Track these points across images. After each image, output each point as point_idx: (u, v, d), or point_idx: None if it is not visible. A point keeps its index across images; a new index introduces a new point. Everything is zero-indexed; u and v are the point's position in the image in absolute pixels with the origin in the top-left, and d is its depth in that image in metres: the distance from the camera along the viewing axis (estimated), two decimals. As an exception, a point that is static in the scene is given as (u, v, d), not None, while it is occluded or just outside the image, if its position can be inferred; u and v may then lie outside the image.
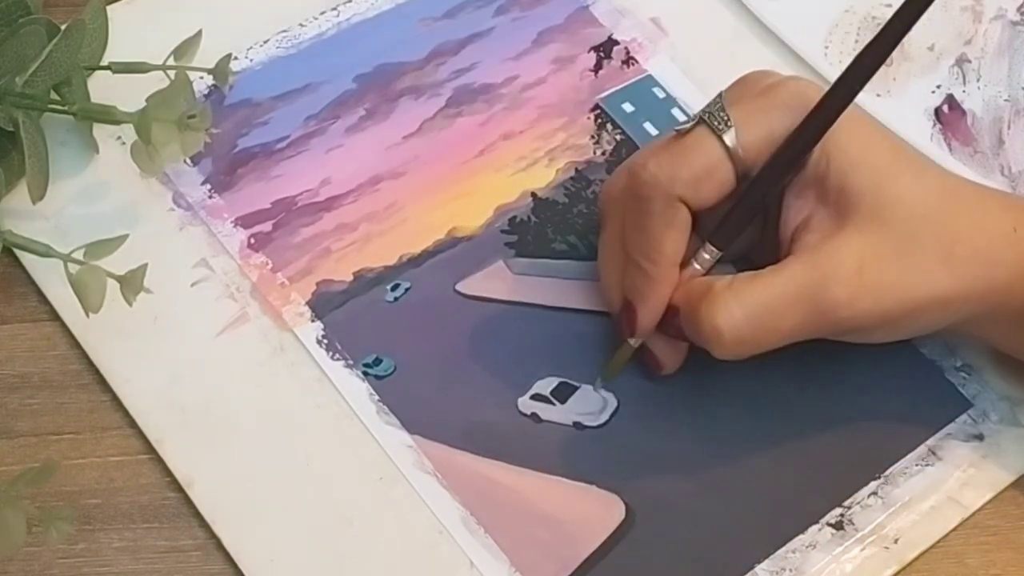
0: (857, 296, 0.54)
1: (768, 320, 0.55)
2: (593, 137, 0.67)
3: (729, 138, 0.55)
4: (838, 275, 0.54)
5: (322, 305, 0.61)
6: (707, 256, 0.57)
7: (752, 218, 0.57)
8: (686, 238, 0.56)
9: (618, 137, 0.67)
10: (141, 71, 0.63)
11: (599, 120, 0.67)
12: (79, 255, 0.56)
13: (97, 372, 0.59)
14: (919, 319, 0.56)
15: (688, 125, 0.56)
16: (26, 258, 0.61)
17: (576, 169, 0.66)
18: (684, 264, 0.57)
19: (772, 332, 0.55)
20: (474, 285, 0.62)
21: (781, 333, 0.55)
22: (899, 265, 0.55)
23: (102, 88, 0.63)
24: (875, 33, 0.54)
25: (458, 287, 0.62)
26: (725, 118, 0.55)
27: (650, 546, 0.56)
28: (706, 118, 0.56)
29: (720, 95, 0.57)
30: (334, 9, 0.69)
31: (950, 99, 0.69)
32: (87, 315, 0.56)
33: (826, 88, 0.55)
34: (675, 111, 0.68)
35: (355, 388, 0.59)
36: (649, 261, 0.56)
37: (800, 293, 0.55)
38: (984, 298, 0.56)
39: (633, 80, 0.69)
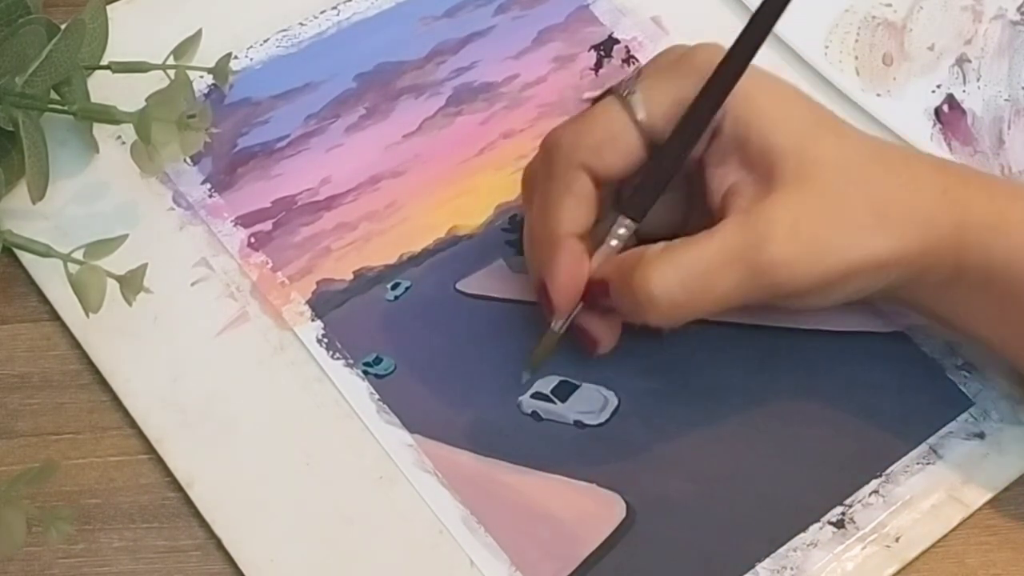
0: (794, 257, 0.54)
1: (703, 283, 0.54)
2: (593, 136, 0.67)
3: (635, 103, 0.55)
4: (774, 235, 0.54)
5: (322, 304, 0.61)
6: (622, 230, 0.56)
7: (664, 186, 0.56)
8: (587, 208, 0.56)
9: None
10: (141, 71, 0.63)
11: (599, 119, 0.67)
12: (79, 255, 0.56)
13: (97, 372, 0.59)
14: (854, 282, 0.55)
15: (597, 94, 0.56)
16: (26, 258, 0.61)
17: (576, 168, 0.66)
18: (601, 242, 0.56)
19: (707, 295, 0.54)
20: (475, 284, 0.62)
21: (716, 296, 0.54)
22: (832, 225, 0.54)
23: (102, 88, 0.63)
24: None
25: (458, 286, 0.62)
26: (632, 87, 0.55)
27: (651, 545, 0.56)
28: (615, 87, 0.55)
29: (637, 70, 0.57)
30: (334, 8, 0.69)
31: (950, 99, 0.69)
32: (87, 315, 0.56)
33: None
34: (675, 110, 0.68)
35: (355, 387, 0.59)
36: (548, 230, 0.56)
37: (735, 254, 0.54)
38: (917, 260, 0.55)
39: (633, 79, 0.69)
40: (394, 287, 0.62)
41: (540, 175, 0.57)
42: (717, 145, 0.56)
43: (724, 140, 0.56)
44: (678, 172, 0.56)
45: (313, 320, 0.60)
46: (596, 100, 0.56)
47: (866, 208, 0.55)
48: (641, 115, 0.55)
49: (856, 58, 0.70)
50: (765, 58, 0.69)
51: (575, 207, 0.55)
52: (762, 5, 0.54)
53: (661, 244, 0.55)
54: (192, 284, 0.61)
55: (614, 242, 0.56)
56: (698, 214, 0.57)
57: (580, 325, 0.58)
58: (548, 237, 0.56)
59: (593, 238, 0.57)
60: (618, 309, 0.56)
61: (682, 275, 0.54)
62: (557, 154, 0.55)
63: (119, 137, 0.64)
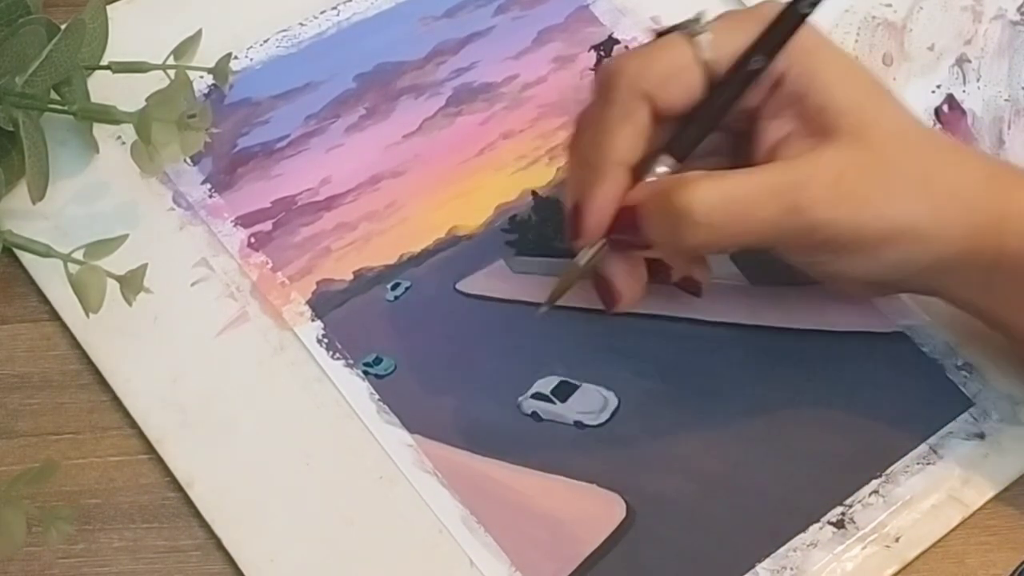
0: (835, 201, 0.54)
1: (743, 209, 0.54)
2: (593, 136, 0.67)
3: (703, 42, 0.55)
4: (817, 180, 0.54)
5: (322, 304, 0.61)
6: (663, 168, 0.56)
7: (712, 128, 0.56)
8: (642, 139, 0.55)
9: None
10: (141, 71, 0.63)
11: (599, 119, 0.67)
12: (79, 255, 0.56)
13: (97, 372, 0.59)
14: (892, 248, 0.55)
15: (666, 27, 0.56)
16: (26, 258, 0.61)
17: (576, 168, 0.66)
18: (639, 178, 0.56)
19: (745, 222, 0.54)
20: (474, 284, 0.62)
21: (753, 225, 0.54)
22: (878, 183, 0.54)
23: (102, 88, 0.63)
24: None
25: (458, 286, 0.62)
26: (703, 26, 0.55)
27: (651, 545, 0.56)
28: (686, 24, 0.55)
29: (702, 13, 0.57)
30: (334, 8, 0.69)
31: (950, 99, 0.69)
32: (87, 315, 0.56)
33: None
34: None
35: (355, 387, 0.59)
36: (600, 155, 0.55)
37: (777, 188, 0.54)
38: (958, 241, 0.55)
39: (633, 79, 0.69)
40: (394, 287, 0.62)
41: (598, 101, 0.56)
42: (776, 97, 0.56)
43: (784, 92, 0.56)
44: (727, 115, 0.56)
45: (313, 320, 0.60)
46: (662, 33, 0.56)
47: (914, 176, 0.55)
48: (708, 54, 0.55)
49: (856, 58, 0.70)
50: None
51: (631, 135, 0.55)
52: None
53: (701, 172, 0.55)
54: (192, 284, 0.61)
55: (651, 179, 0.56)
56: (742, 167, 0.56)
57: (604, 275, 0.58)
58: (598, 162, 0.55)
59: (635, 175, 0.56)
60: (650, 235, 0.55)
61: (723, 196, 0.54)
62: (620, 80, 0.55)
63: (119, 137, 0.64)
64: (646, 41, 0.56)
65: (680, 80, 0.55)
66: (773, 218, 0.54)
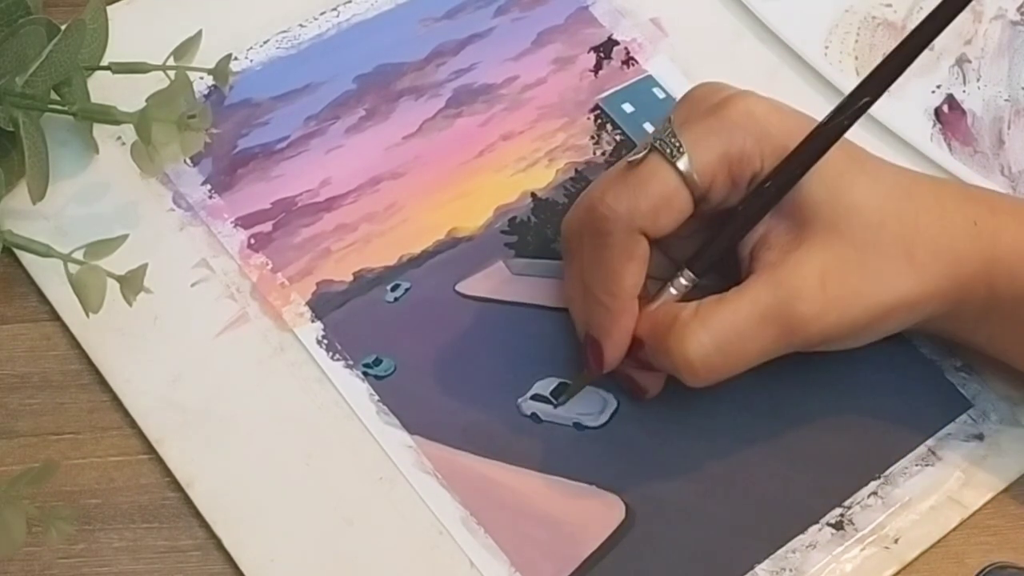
0: (823, 311, 0.55)
1: (737, 344, 0.55)
2: (593, 138, 0.67)
3: (683, 165, 0.55)
4: (802, 292, 0.54)
5: (322, 305, 0.61)
6: (684, 282, 0.57)
7: (733, 246, 0.57)
8: (645, 270, 0.56)
9: (618, 137, 0.67)
10: (141, 71, 0.63)
11: (599, 120, 0.67)
12: (79, 255, 0.56)
13: (97, 372, 0.59)
14: (887, 323, 0.56)
15: (641, 155, 0.55)
16: (26, 258, 0.61)
17: (576, 170, 0.66)
18: (645, 292, 0.57)
19: (742, 355, 0.55)
20: (474, 285, 0.62)
21: (751, 355, 0.55)
22: (862, 273, 0.55)
23: (102, 88, 0.63)
24: (864, 77, 0.54)
25: (458, 287, 0.62)
26: (677, 144, 0.55)
27: (650, 546, 0.56)
28: (658, 145, 0.55)
29: (669, 118, 0.56)
30: (334, 9, 0.69)
31: (950, 99, 0.69)
32: (87, 315, 0.56)
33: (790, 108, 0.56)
34: (675, 111, 0.68)
35: (355, 388, 0.59)
36: (609, 295, 0.56)
37: (766, 314, 0.55)
38: (949, 295, 0.56)
39: (633, 80, 0.69)
40: (394, 288, 0.62)
41: (593, 242, 0.56)
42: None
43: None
44: (745, 234, 0.57)
45: (313, 321, 0.60)
46: (637, 156, 0.56)
47: (896, 251, 0.55)
48: (691, 175, 0.55)
49: (856, 58, 0.70)
50: (764, 58, 0.70)
51: (637, 271, 0.56)
52: (860, 86, 0.54)
53: (692, 305, 0.55)
54: (192, 285, 0.61)
55: (673, 291, 0.57)
56: (729, 256, 0.57)
57: (628, 375, 0.58)
58: (610, 301, 0.56)
59: (643, 294, 0.57)
60: (656, 366, 0.57)
61: (716, 338, 0.54)
62: (614, 223, 0.55)
63: (119, 137, 0.64)
64: (623, 170, 0.56)
65: (670, 208, 0.55)
66: (768, 344, 0.55)
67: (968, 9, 0.52)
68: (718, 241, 0.57)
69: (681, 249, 0.58)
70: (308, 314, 0.61)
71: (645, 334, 0.56)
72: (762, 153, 0.55)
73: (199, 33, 0.63)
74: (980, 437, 0.60)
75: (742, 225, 0.56)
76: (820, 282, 0.55)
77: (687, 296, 0.57)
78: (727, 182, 0.56)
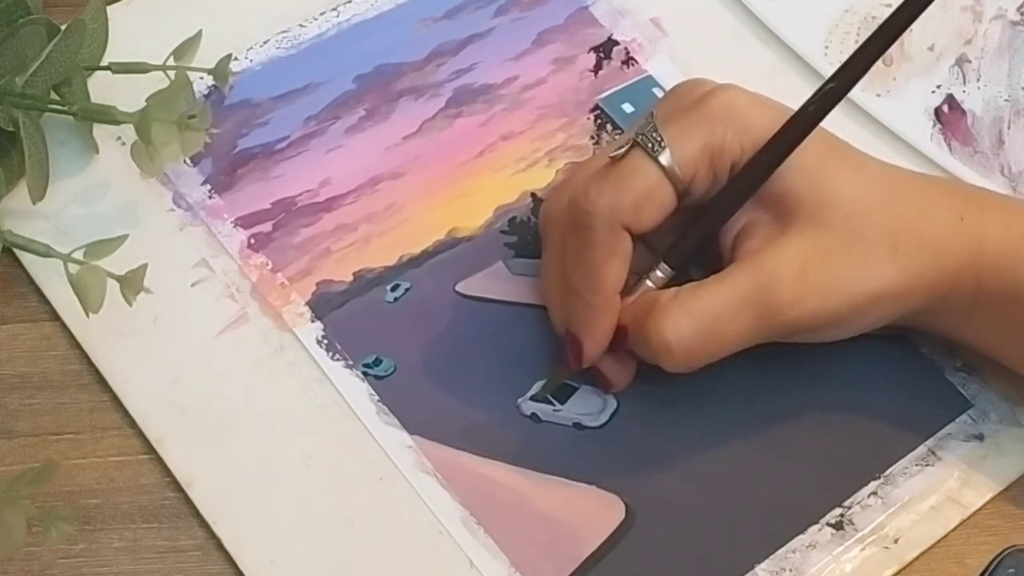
0: (803, 297, 0.55)
1: (716, 328, 0.55)
2: (593, 138, 0.67)
3: (665, 159, 0.55)
4: (781, 278, 0.54)
5: (322, 305, 0.61)
6: (660, 275, 0.57)
7: (709, 238, 0.57)
8: (628, 266, 0.56)
9: (618, 137, 0.67)
10: (141, 71, 0.63)
11: (599, 120, 0.67)
12: (79, 255, 0.56)
13: (97, 372, 0.59)
14: (870, 313, 0.56)
15: (623, 150, 0.55)
16: (26, 258, 0.61)
17: (576, 169, 0.66)
18: (627, 287, 0.57)
19: (720, 340, 0.55)
20: (474, 285, 0.62)
21: (730, 340, 0.55)
22: (845, 262, 0.55)
23: (102, 88, 0.63)
24: (839, 65, 0.54)
25: (458, 287, 0.62)
26: (659, 138, 0.55)
27: (650, 546, 0.56)
28: (640, 140, 0.55)
29: (651, 113, 0.56)
30: (334, 9, 0.69)
31: (950, 99, 0.69)
32: (87, 315, 0.56)
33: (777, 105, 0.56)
34: (675, 111, 0.68)
35: (355, 388, 0.59)
36: (592, 291, 0.56)
37: (745, 298, 0.55)
38: (933, 289, 0.56)
39: (633, 80, 0.69)
40: (394, 288, 0.62)
41: (572, 235, 0.56)
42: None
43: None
44: (722, 225, 0.57)
45: (313, 321, 0.60)
46: (620, 152, 0.56)
47: (879, 242, 0.55)
48: (673, 169, 0.55)
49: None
50: (765, 58, 0.70)
51: (619, 267, 0.56)
52: (838, 70, 0.54)
53: (672, 290, 0.55)
54: (192, 285, 0.61)
55: (650, 284, 0.57)
56: (711, 246, 0.57)
57: (596, 367, 0.58)
58: (592, 297, 0.56)
59: (624, 288, 0.57)
60: (637, 353, 0.57)
61: (695, 321, 0.55)
62: (596, 219, 0.55)
63: (119, 138, 0.64)
64: (606, 165, 0.56)
65: (652, 202, 0.55)
66: (747, 328, 0.55)
67: (968, 9, 0.52)
68: (692, 233, 0.57)
69: (666, 244, 0.58)
70: (308, 314, 0.61)
71: (627, 321, 0.56)
72: (743, 145, 0.55)
73: (199, 33, 0.63)
74: (980, 437, 0.60)
75: (716, 216, 0.56)
76: (800, 269, 0.55)
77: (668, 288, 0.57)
78: (709, 175, 0.56)
